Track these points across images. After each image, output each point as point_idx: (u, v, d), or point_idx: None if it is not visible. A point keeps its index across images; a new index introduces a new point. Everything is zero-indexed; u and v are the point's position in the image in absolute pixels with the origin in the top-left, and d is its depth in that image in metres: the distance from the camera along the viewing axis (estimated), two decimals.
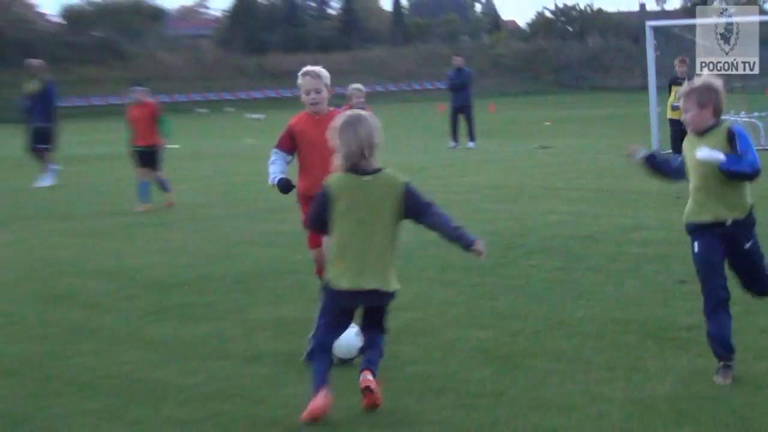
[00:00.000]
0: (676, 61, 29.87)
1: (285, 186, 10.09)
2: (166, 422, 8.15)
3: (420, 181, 22.14)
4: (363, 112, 8.62)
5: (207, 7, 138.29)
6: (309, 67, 10.29)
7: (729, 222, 8.40)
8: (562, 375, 9.03)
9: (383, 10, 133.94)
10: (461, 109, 38.39)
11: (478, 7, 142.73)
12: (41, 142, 26.55)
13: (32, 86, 26.67)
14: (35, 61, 27.40)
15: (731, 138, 8.22)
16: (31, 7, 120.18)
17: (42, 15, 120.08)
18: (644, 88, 34.01)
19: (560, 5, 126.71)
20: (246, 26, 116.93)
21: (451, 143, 38.53)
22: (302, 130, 10.10)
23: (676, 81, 28.69)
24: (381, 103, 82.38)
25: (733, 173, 8.20)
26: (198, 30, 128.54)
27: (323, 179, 8.69)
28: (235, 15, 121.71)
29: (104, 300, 12.92)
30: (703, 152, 8.16)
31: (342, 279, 8.12)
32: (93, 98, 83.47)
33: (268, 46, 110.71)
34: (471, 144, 37.49)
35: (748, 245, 8.46)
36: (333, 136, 8.27)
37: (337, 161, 8.19)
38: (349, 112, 8.72)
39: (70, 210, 22.49)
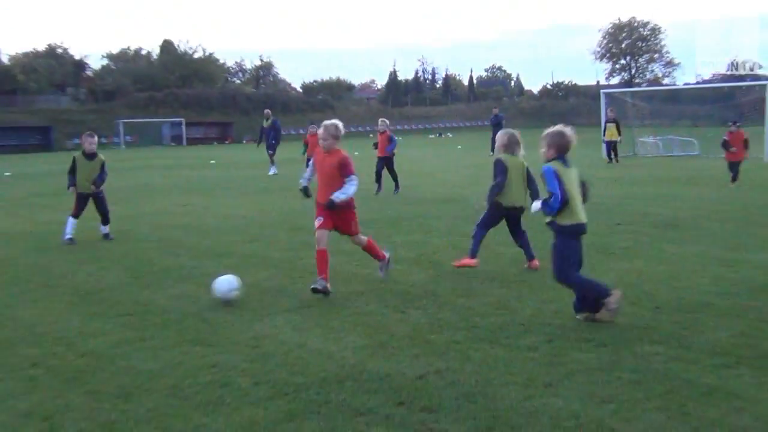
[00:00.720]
0: (608, 110, 30.26)
1: (304, 192, 9.12)
2: (353, 294, 8.20)
3: (476, 171, 21.86)
4: (513, 130, 9.39)
5: (374, 83, 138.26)
6: (326, 122, 8.46)
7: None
8: None
9: (464, 84, 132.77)
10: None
11: (512, 83, 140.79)
12: (269, 151, 27.25)
13: (267, 123, 27.17)
14: (268, 111, 28.34)
15: (542, 176, 6.69)
16: (288, 83, 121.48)
17: (292, 87, 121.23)
18: (598, 124, 33.52)
19: (554, 82, 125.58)
20: (394, 92, 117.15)
21: (491, 153, 37.91)
22: (317, 160, 8.48)
23: (609, 121, 29.42)
24: (464, 132, 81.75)
25: (549, 213, 6.67)
26: (369, 94, 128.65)
27: (324, 190, 8.24)
28: (389, 86, 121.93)
29: (259, 232, 12.94)
30: (534, 207, 6.87)
31: (509, 202, 9.04)
32: (294, 130, 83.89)
33: (405, 102, 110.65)
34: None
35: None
36: (498, 138, 9.30)
37: (503, 149, 9.17)
38: (508, 130, 9.46)
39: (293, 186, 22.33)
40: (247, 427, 4.69)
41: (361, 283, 8.66)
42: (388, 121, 19.97)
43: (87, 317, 7.55)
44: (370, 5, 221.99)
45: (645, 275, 8.57)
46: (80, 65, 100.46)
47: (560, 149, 6.70)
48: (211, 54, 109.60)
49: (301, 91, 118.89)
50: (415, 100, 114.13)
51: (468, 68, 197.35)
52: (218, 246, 11.72)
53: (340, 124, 8.41)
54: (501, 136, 9.43)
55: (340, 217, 8.39)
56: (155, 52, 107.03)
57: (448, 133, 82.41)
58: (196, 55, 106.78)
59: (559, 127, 6.83)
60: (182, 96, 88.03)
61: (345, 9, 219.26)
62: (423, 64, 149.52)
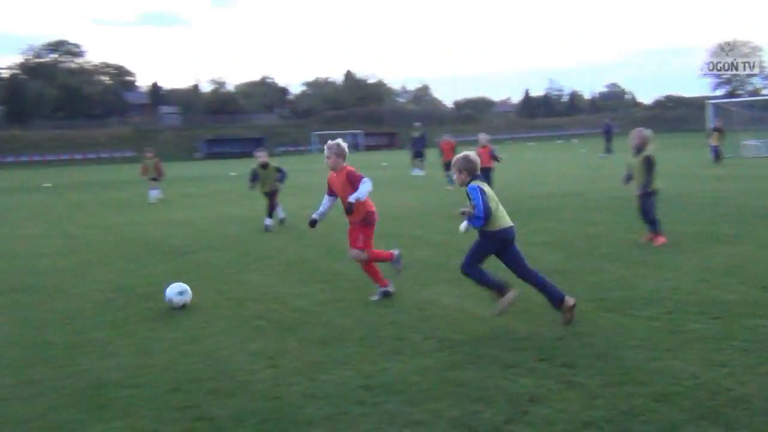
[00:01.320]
0: (716, 120, 28.20)
1: (311, 223, 6.95)
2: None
3: (596, 170, 20.89)
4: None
5: (509, 99, 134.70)
6: (329, 142, 6.98)
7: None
8: (596, 250, 8.41)
9: (585, 98, 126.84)
10: (608, 139, 36.74)
11: (628, 96, 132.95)
12: (418, 156, 26.79)
13: (415, 133, 26.72)
14: (418, 123, 27.67)
15: (467, 193, 5.74)
16: (440, 101, 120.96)
17: (444, 104, 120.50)
18: (703, 130, 31.26)
19: (665, 95, 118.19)
20: (528, 106, 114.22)
21: (601, 155, 35.61)
22: (330, 182, 7.02)
23: (716, 128, 26.89)
24: (586, 138, 78.51)
25: (476, 227, 5.75)
26: (506, 108, 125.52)
27: (347, 208, 6.66)
28: (524, 102, 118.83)
29: (422, 219, 12.77)
30: (462, 228, 5.95)
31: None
32: (462, 137, 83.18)
33: (536, 114, 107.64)
34: (605, 155, 35.15)
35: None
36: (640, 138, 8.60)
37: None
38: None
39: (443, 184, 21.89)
40: (421, 372, 4.72)
41: None
42: (489, 137, 17.27)
43: (295, 282, 7.85)
44: (505, 35, 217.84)
45: (751, 259, 7.89)
46: (284, 91, 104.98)
47: (471, 172, 5.84)
48: (381, 80, 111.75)
49: (452, 106, 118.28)
50: (545, 112, 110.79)
51: (589, 85, 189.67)
52: (391, 229, 11.85)
53: (343, 142, 7.01)
54: (643, 136, 9.34)
55: (358, 228, 6.92)
56: (340, 79, 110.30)
57: (574, 140, 79.50)
58: (370, 81, 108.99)
59: (465, 154, 5.93)
60: (359, 113, 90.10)
61: (485, 39, 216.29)
62: (551, 82, 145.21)
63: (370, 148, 76.53)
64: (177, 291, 6.87)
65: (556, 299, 5.74)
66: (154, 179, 20.58)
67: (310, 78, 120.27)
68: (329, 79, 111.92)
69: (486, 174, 16.19)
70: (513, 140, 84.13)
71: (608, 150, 36.41)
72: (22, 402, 4.53)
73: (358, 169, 7.06)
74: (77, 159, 67.27)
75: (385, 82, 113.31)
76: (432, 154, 26.19)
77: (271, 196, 12.93)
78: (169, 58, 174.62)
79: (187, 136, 74.99)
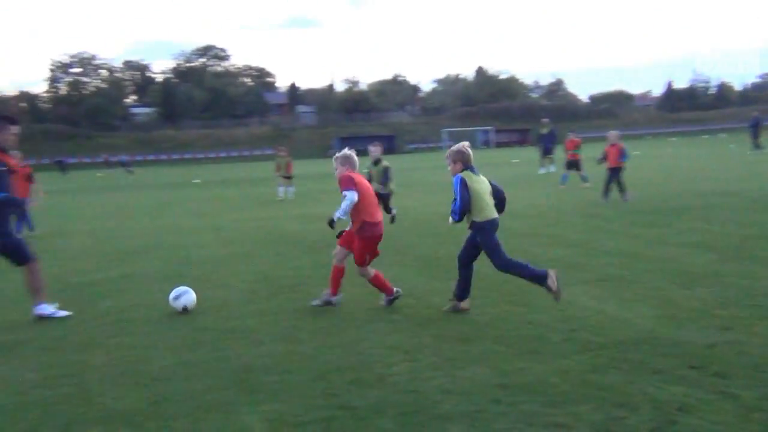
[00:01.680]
0: None
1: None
2: (641, 271, 7.68)
3: (749, 167, 19.33)
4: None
5: (650, 93, 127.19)
6: (336, 154, 6.75)
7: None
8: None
9: (735, 89, 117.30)
10: (756, 135, 34.09)
11: None
12: (548, 154, 25.79)
13: (544, 129, 25.89)
14: (545, 120, 26.83)
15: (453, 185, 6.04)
16: (574, 95, 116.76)
17: (578, 99, 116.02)
18: None
19: None
20: (670, 99, 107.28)
21: (749, 151, 32.96)
22: None
23: None
24: (736, 133, 72.94)
25: (454, 221, 6.13)
26: (647, 102, 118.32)
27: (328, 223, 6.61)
28: (666, 95, 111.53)
29: (558, 218, 12.29)
30: (449, 222, 6.22)
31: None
32: (598, 133, 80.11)
33: (679, 107, 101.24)
34: (754, 151, 32.36)
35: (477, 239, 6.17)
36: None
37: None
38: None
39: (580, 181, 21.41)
40: (560, 373, 4.62)
41: (647, 262, 8.12)
42: (620, 134, 15.84)
43: (429, 278, 7.93)
44: (646, 23, 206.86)
45: None
46: (415, 88, 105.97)
47: (465, 162, 6.20)
48: (513, 75, 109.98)
49: (588, 101, 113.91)
50: (689, 105, 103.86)
51: (740, 76, 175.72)
52: (526, 228, 11.65)
53: (347, 151, 6.75)
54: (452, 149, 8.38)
55: (353, 239, 6.75)
56: (471, 76, 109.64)
57: (721, 134, 74.19)
58: (501, 77, 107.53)
59: (457, 146, 6.24)
60: (491, 109, 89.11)
61: (623, 29, 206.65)
62: (696, 73, 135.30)
63: (501, 144, 75.75)
64: (181, 306, 6.88)
65: (464, 294, 6.35)
66: (286, 177, 21.47)
67: (441, 75, 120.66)
68: (460, 76, 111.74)
69: (615, 174, 15.12)
70: (653, 135, 79.90)
71: (756, 146, 33.70)
72: (183, 381, 4.91)
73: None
74: (222, 156, 71.73)
75: (518, 77, 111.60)
76: (560, 151, 25.46)
77: (382, 199, 12.55)
78: (306, 59, 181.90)
79: (322, 135, 77.63)
